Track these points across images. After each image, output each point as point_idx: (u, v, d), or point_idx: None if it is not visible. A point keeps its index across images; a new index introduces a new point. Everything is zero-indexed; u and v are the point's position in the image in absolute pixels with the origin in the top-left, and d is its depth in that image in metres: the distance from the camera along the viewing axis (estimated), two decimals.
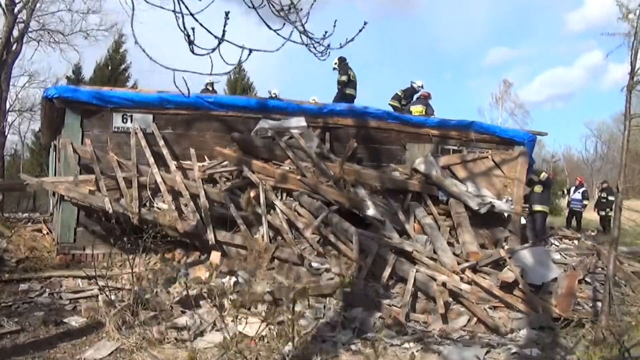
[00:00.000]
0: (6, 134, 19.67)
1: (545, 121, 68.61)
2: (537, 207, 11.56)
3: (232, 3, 2.95)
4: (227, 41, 2.85)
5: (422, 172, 9.59)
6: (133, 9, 2.74)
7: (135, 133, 8.79)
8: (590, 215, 18.51)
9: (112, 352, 5.18)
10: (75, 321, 6.10)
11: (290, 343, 4.44)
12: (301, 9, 3.07)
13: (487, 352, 5.55)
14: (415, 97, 13.23)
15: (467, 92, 77.24)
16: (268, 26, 2.95)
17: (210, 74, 2.95)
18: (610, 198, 15.62)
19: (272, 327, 5.56)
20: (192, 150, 9.07)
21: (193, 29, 2.81)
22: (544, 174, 11.89)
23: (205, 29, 2.80)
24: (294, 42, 3.16)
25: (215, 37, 2.83)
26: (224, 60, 2.88)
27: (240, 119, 9.54)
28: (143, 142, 8.71)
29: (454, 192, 9.30)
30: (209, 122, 9.37)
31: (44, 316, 6.16)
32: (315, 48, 3.33)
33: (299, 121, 9.54)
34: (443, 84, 72.87)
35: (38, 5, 16.05)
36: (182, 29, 2.79)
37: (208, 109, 9.31)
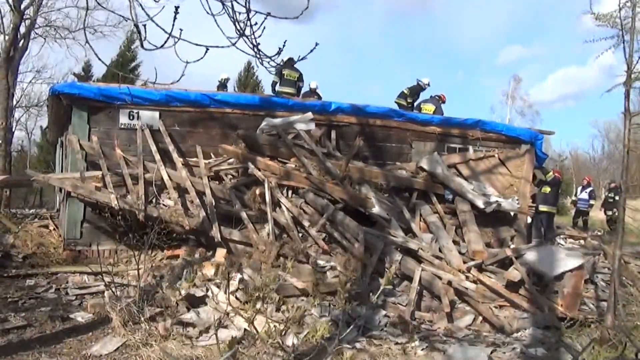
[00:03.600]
0: (13, 130, 19.73)
1: (555, 120, 68.64)
2: (544, 208, 11.52)
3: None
4: (184, 39, 2.84)
5: (428, 171, 9.58)
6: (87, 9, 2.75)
7: (142, 130, 8.82)
8: (597, 214, 18.44)
9: (118, 348, 5.19)
10: (81, 317, 6.13)
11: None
12: (255, 23, 3.04)
13: (493, 351, 5.54)
14: (429, 95, 13.20)
15: (480, 91, 77.41)
16: (224, 35, 2.95)
17: (154, 83, 2.94)
18: (618, 198, 15.54)
19: (278, 324, 5.59)
20: (198, 147, 9.09)
21: (145, 25, 2.82)
22: (550, 173, 11.84)
23: (158, 26, 2.78)
24: (246, 53, 3.17)
25: (170, 35, 2.81)
26: (179, 57, 2.89)
27: (245, 117, 9.56)
28: (149, 139, 8.74)
29: (459, 190, 9.28)
30: (215, 120, 9.39)
31: (50, 311, 6.19)
32: (268, 63, 3.31)
33: (306, 118, 9.54)
34: (456, 82, 72.95)
35: (44, 1, 16.10)
36: (134, 23, 2.79)
37: (214, 107, 9.34)
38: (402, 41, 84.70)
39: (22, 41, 15.55)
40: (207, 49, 2.91)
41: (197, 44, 2.86)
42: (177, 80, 3.02)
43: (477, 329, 6.59)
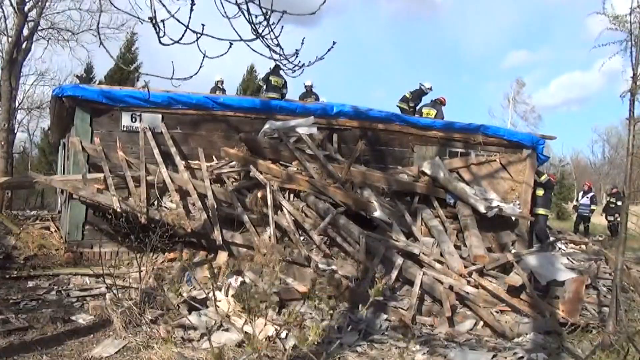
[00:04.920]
0: (15, 131, 19.73)
1: (558, 125, 68.76)
2: (539, 211, 11.51)
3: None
4: (205, 34, 2.81)
5: (429, 175, 9.58)
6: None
7: (144, 132, 8.83)
8: (599, 220, 18.44)
9: (119, 350, 5.20)
10: (82, 319, 6.14)
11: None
12: (274, 24, 3.01)
13: (494, 356, 5.53)
14: (430, 99, 13.27)
15: (485, 95, 77.70)
16: (240, 37, 2.93)
17: (172, 78, 2.93)
18: (619, 203, 15.54)
19: (279, 327, 5.58)
20: (200, 150, 9.11)
21: (163, 21, 2.78)
22: (545, 176, 11.80)
23: (179, 21, 2.76)
24: (263, 55, 3.15)
25: (193, 31, 2.79)
26: (202, 52, 2.85)
27: (248, 120, 9.57)
28: (152, 142, 8.75)
29: (461, 195, 9.28)
30: (217, 122, 9.41)
31: (51, 313, 6.20)
32: (285, 65, 3.30)
33: (308, 121, 9.55)
34: (461, 86, 73.16)
35: (48, 3, 16.11)
36: (153, 20, 2.77)
37: (216, 110, 9.36)
38: (407, 45, 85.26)
39: (25, 43, 15.56)
40: (231, 44, 2.89)
41: (220, 39, 2.84)
42: (195, 74, 2.97)
43: (478, 333, 6.58)
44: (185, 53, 2.95)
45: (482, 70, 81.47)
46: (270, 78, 13.16)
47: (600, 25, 5.88)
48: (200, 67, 2.94)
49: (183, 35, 2.80)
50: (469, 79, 79.78)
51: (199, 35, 2.82)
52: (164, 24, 2.79)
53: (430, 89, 13.36)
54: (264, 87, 13.20)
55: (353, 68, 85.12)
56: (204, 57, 2.90)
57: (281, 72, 13.18)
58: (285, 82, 13.24)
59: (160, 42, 2.85)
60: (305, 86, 14.67)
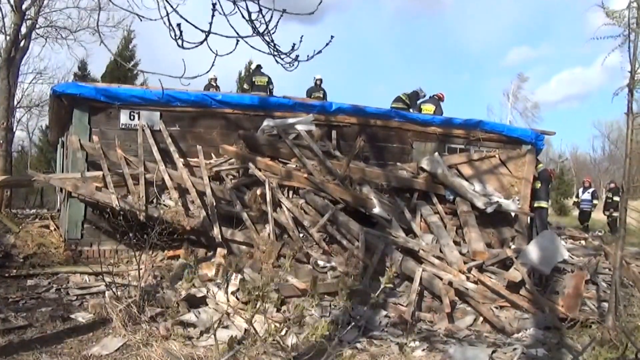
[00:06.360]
0: (14, 130, 19.71)
1: (558, 121, 68.87)
2: (541, 204, 11.50)
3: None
4: (214, 33, 2.87)
5: (429, 171, 9.58)
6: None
7: (143, 130, 8.81)
8: (598, 215, 18.47)
9: (118, 348, 5.19)
10: (82, 317, 6.13)
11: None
12: (270, 20, 3.03)
13: (493, 351, 5.53)
14: (428, 96, 13.28)
15: (485, 93, 77.97)
16: (237, 34, 2.94)
17: (181, 77, 2.95)
18: (617, 198, 15.56)
19: (278, 324, 5.59)
20: (199, 148, 9.09)
21: (179, 24, 2.84)
22: (541, 165, 11.76)
23: (191, 24, 2.81)
24: (260, 51, 3.18)
25: (202, 30, 2.85)
26: (213, 51, 2.89)
27: (246, 117, 9.56)
28: (150, 139, 8.73)
29: (460, 191, 9.28)
30: (216, 120, 9.39)
31: (51, 312, 6.19)
32: (282, 59, 3.30)
33: (307, 118, 9.54)
34: (462, 84, 73.39)
35: (46, 1, 16.09)
36: (168, 25, 2.82)
37: (215, 107, 9.34)
38: (408, 42, 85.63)
39: (23, 41, 15.55)
40: (238, 41, 2.94)
41: (227, 36, 2.88)
42: (207, 72, 3.03)
43: (477, 329, 6.58)
44: (181, 51, 2.96)
45: (483, 67, 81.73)
46: (253, 80, 13.36)
47: (601, 21, 5.86)
48: (212, 65, 2.99)
49: (204, 40, 2.87)
50: (470, 76, 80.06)
51: (207, 34, 2.84)
52: (180, 29, 2.83)
53: (425, 95, 13.40)
54: (249, 89, 13.32)
55: (354, 65, 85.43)
56: (215, 57, 2.94)
57: (262, 70, 13.53)
58: (270, 79, 13.37)
59: (180, 46, 2.90)
60: (315, 80, 14.68)
